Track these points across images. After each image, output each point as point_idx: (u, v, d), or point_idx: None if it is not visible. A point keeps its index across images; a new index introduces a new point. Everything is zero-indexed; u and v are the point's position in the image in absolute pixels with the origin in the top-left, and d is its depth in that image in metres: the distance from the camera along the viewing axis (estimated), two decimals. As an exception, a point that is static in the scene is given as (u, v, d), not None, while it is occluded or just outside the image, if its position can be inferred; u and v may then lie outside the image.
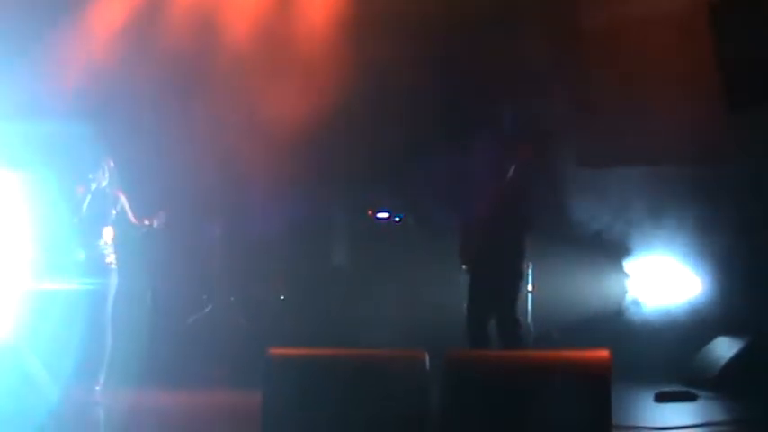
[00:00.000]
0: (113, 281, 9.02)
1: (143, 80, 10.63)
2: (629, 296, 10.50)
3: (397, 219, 11.33)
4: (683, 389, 9.04)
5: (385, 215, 11.33)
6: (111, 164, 9.19)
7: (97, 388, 8.88)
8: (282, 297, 11.07)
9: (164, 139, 10.82)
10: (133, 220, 9.14)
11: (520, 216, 8.76)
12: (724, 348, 9.75)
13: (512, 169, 8.87)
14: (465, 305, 8.61)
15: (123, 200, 9.13)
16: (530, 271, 9.96)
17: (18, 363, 8.01)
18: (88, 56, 10.61)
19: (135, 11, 10.84)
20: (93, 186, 9.05)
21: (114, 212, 9.05)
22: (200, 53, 10.85)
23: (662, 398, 8.84)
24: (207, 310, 10.91)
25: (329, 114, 10.36)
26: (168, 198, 10.65)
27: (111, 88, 10.50)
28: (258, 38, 10.64)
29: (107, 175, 9.11)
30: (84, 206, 9.03)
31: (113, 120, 10.48)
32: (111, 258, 9.02)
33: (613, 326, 9.90)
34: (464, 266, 8.80)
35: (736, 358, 9.48)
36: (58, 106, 10.35)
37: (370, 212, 11.27)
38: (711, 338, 10.00)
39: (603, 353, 5.98)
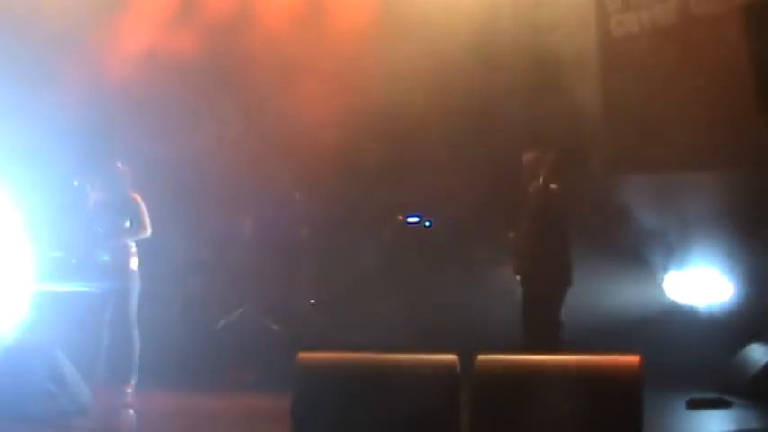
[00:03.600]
0: (136, 283, 9.04)
1: (170, 78, 10.68)
2: (662, 302, 10.42)
3: (428, 223, 11.31)
4: (716, 396, 8.96)
5: (415, 220, 11.32)
6: (120, 166, 9.18)
7: (128, 390, 8.92)
8: (313, 301, 11.07)
9: (192, 140, 10.86)
10: (144, 225, 9.07)
11: (560, 224, 8.95)
12: (758, 355, 9.65)
13: (541, 180, 8.98)
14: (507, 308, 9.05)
15: (139, 203, 9.12)
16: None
17: (49, 364, 8.07)
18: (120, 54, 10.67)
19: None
20: (105, 191, 9.09)
21: (129, 217, 9.03)
22: (232, 50, 10.89)
23: (694, 405, 8.76)
24: (237, 313, 10.93)
25: (361, 117, 10.38)
26: (199, 199, 10.72)
27: (134, 86, 10.56)
28: (292, 37, 10.66)
29: (118, 178, 9.11)
30: (95, 210, 9.08)
31: (134, 119, 10.55)
32: (133, 261, 9.03)
33: (646, 331, 9.81)
34: (518, 277, 9.14)
35: (771, 365, 9.39)
36: (74, 106, 10.44)
37: (400, 217, 11.26)
38: (745, 345, 9.90)
39: (635, 358, 5.94)
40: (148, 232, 9.05)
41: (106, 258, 9.00)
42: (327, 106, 10.49)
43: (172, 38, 10.81)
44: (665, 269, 10.37)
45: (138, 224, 9.02)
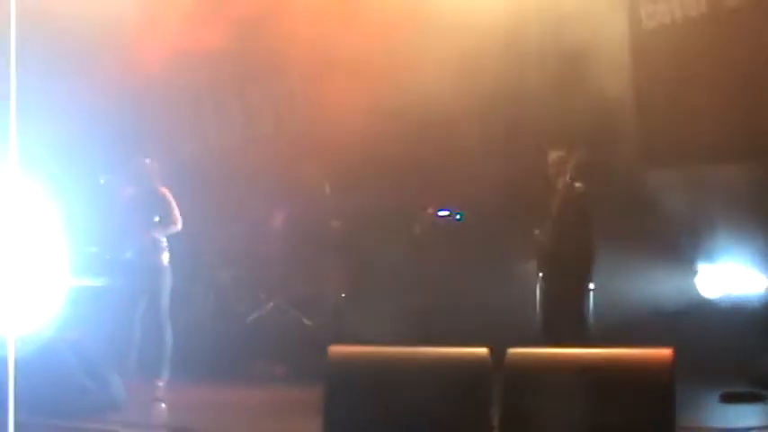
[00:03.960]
0: (167, 278, 9.08)
1: (200, 73, 10.72)
2: (695, 296, 10.35)
3: (458, 217, 11.29)
4: (749, 389, 8.90)
5: (445, 213, 11.30)
6: (148, 162, 9.22)
7: (160, 384, 8.97)
8: (344, 294, 11.09)
9: (222, 135, 10.90)
10: (174, 220, 9.12)
11: (584, 220, 8.97)
12: (791, 349, 9.58)
13: (566, 178, 9.02)
14: (535, 303, 9.17)
15: (168, 197, 9.15)
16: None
17: (83, 359, 8.13)
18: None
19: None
20: (134, 186, 9.14)
21: (158, 212, 9.06)
22: (262, 44, 10.91)
23: (727, 398, 8.71)
24: (268, 307, 10.96)
25: (391, 110, 10.37)
26: (230, 193, 10.76)
27: (163, 82, 10.61)
28: (322, 31, 10.67)
29: (146, 173, 9.15)
30: (125, 206, 9.13)
31: (164, 114, 10.60)
32: (164, 256, 9.07)
33: (679, 325, 9.75)
34: (540, 274, 9.21)
35: (805, 359, 9.32)
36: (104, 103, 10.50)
37: (430, 210, 11.25)
38: (778, 338, 9.83)
39: (667, 351, 5.90)
40: (179, 226, 9.08)
41: (129, 255, 9.04)
42: (358, 100, 10.49)
43: (201, 33, 10.85)
44: (698, 262, 10.30)
45: (167, 219, 9.05)
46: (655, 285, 10.07)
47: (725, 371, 9.31)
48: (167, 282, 9.07)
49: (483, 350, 6.05)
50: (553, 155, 9.27)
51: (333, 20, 10.69)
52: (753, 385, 9.09)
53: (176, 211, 9.08)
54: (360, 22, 10.53)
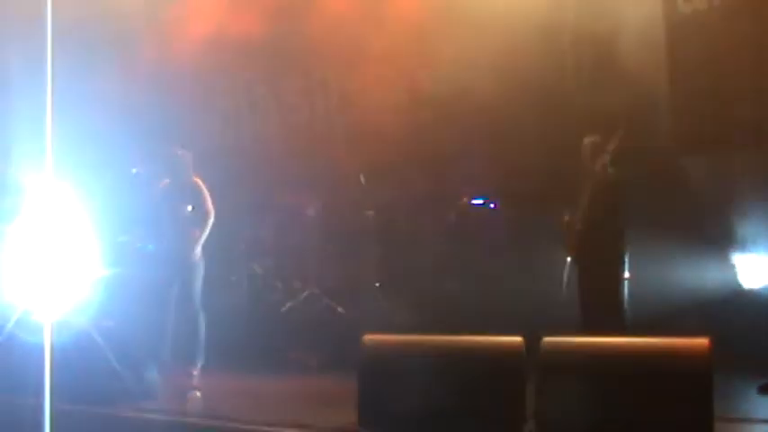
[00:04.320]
0: (200, 267, 9.09)
1: (233, 62, 10.73)
2: (733, 285, 10.25)
3: (492, 205, 11.24)
4: (788, 381, 8.80)
5: (479, 201, 11.25)
6: (180, 152, 9.24)
7: (194, 372, 9.01)
8: (378, 284, 11.07)
9: (256, 123, 10.92)
10: (208, 210, 9.10)
11: (615, 206, 8.89)
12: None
13: (599, 164, 8.94)
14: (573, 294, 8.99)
15: (201, 187, 9.13)
16: (626, 258, 9.84)
17: (117, 346, 8.18)
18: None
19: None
20: (167, 177, 9.16)
21: (191, 202, 9.07)
22: (296, 32, 10.91)
23: (765, 390, 8.61)
24: (303, 296, 10.97)
25: (425, 99, 10.34)
26: (264, 183, 10.76)
27: (197, 70, 10.64)
28: (356, 19, 10.65)
29: (179, 163, 9.16)
30: (158, 196, 9.16)
31: (197, 103, 10.62)
32: (195, 246, 9.07)
33: (717, 315, 9.66)
34: (569, 259, 9.07)
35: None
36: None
37: (465, 198, 11.20)
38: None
39: (704, 341, 5.84)
40: (212, 216, 9.10)
41: (162, 244, 9.08)
42: (391, 89, 10.47)
43: (235, 22, 10.86)
44: (736, 251, 10.19)
45: (200, 209, 9.07)
46: (692, 274, 9.98)
47: (763, 361, 9.21)
48: (200, 271, 9.11)
49: (518, 339, 6.02)
50: (587, 141, 9.20)
51: (368, 6, 10.68)
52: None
53: (209, 202, 9.10)
54: (395, 10, 10.52)
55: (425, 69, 10.67)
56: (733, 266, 10.26)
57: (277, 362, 9.94)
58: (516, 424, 5.86)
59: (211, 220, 9.10)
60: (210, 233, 9.20)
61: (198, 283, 9.09)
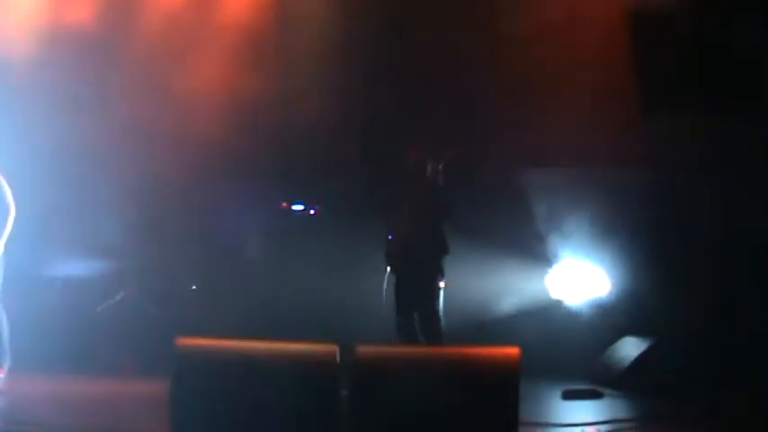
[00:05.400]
0: None
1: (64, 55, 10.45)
2: (542, 296, 10.60)
3: (312, 211, 11.30)
4: (590, 387, 9.18)
5: (300, 207, 11.30)
6: None
7: (0, 375, 8.69)
8: (194, 287, 10.97)
9: (75, 120, 10.63)
10: (8, 205, 8.73)
11: (438, 215, 9.06)
12: (630, 348, 9.91)
13: (428, 169, 9.12)
14: (391, 301, 9.19)
15: (1, 182, 8.79)
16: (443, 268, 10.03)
17: None
18: None
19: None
20: None
21: None
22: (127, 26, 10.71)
23: (569, 395, 8.96)
24: (117, 298, 10.77)
25: (244, 105, 10.30)
26: (82, 179, 10.49)
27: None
28: (180, 26, 10.54)
29: None
30: None
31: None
32: None
33: (524, 325, 9.99)
34: (389, 267, 9.22)
35: (641, 358, 9.65)
36: None
37: (284, 205, 11.22)
38: (618, 338, 10.16)
39: (513, 350, 6.06)
40: (12, 212, 8.68)
41: None
42: (215, 90, 10.39)
43: (56, 11, 10.56)
44: (548, 263, 10.54)
45: (1, 204, 8.69)
46: (504, 285, 10.28)
47: (567, 369, 9.59)
48: None
49: (332, 346, 6.08)
50: (412, 150, 9.34)
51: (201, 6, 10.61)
52: (593, 383, 9.39)
53: (9, 197, 8.69)
54: (228, 10, 10.48)
55: (251, 72, 10.63)
56: (546, 278, 10.63)
57: (90, 364, 9.70)
58: (329, 428, 5.92)
59: (12, 217, 8.69)
60: (23, 231, 8.86)
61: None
